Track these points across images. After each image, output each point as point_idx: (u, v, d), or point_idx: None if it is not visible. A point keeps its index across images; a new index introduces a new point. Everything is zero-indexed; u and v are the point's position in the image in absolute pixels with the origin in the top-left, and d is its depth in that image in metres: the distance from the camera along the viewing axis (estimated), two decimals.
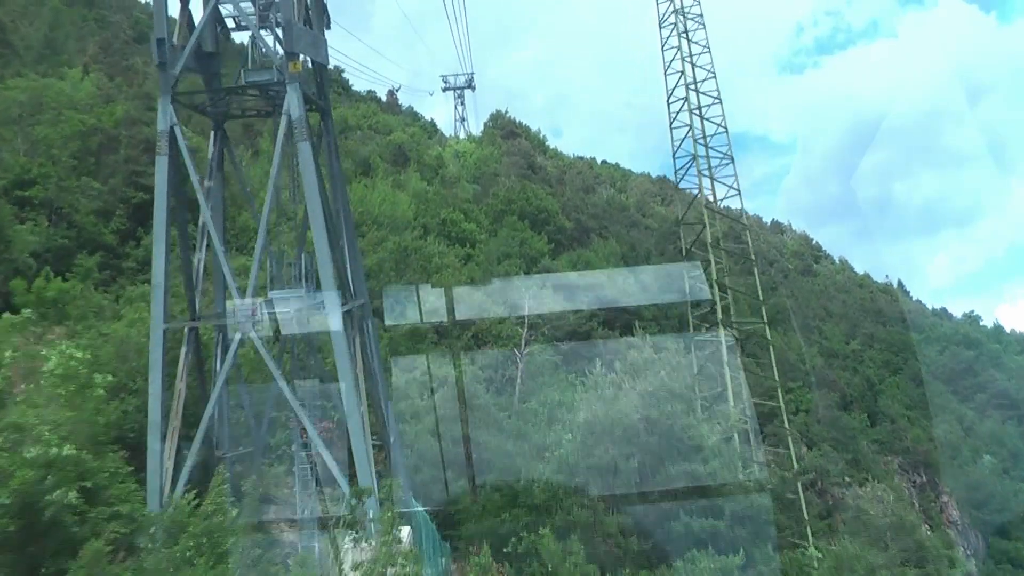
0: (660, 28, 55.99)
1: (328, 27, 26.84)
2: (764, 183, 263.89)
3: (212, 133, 26.50)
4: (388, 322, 41.51)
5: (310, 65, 26.09)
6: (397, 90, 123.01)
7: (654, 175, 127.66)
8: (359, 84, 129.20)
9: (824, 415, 59.86)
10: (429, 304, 43.80)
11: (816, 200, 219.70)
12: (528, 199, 63.65)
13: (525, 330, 44.15)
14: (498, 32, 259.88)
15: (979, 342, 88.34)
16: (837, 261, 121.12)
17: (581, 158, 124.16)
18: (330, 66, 31.73)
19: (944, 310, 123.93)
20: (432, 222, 56.97)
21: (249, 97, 26.55)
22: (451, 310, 45.45)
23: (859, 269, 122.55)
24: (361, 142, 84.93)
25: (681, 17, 54.87)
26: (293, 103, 23.00)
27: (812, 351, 75.50)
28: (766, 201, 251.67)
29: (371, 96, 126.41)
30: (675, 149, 54.87)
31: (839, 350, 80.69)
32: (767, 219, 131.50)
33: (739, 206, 57.29)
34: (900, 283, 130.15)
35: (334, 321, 23.59)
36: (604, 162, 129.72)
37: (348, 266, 27.05)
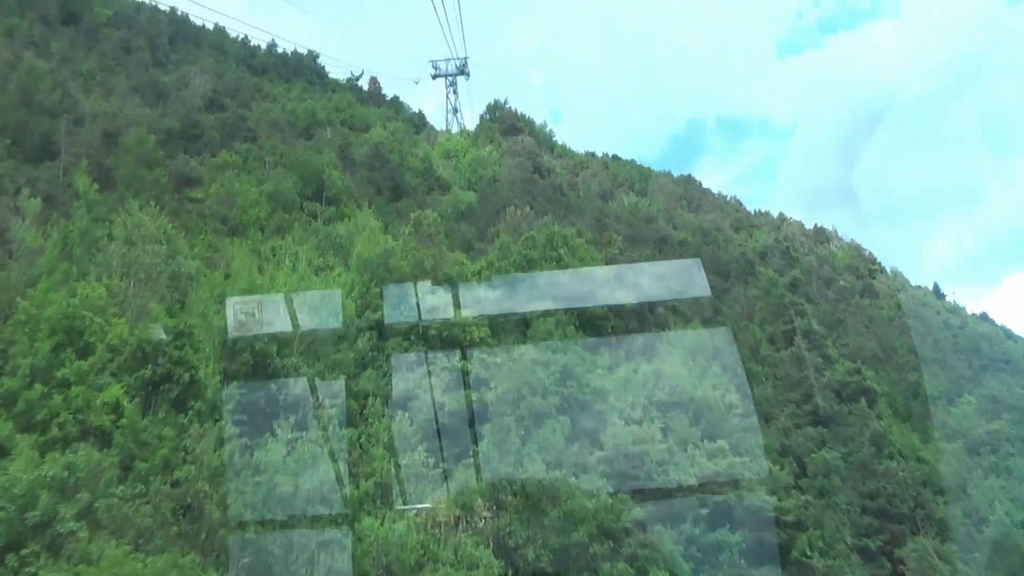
0: None
1: None
2: (763, 167, 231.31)
3: None
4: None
5: None
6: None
7: (673, 171, 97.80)
8: (338, 72, 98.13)
9: None
10: None
11: (814, 184, 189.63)
12: (560, 258, 33.71)
13: None
14: (493, 15, 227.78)
15: None
16: (889, 272, 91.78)
17: (593, 155, 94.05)
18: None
19: (986, 315, 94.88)
20: (392, 318, 27.58)
21: None
22: None
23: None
24: (316, 149, 55.31)
25: None
26: None
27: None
28: (763, 186, 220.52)
29: (350, 85, 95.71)
30: None
31: (970, 431, 51.51)
32: (762, 207, 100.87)
33: None
34: (937, 288, 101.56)
35: None
36: (616, 157, 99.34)
37: None
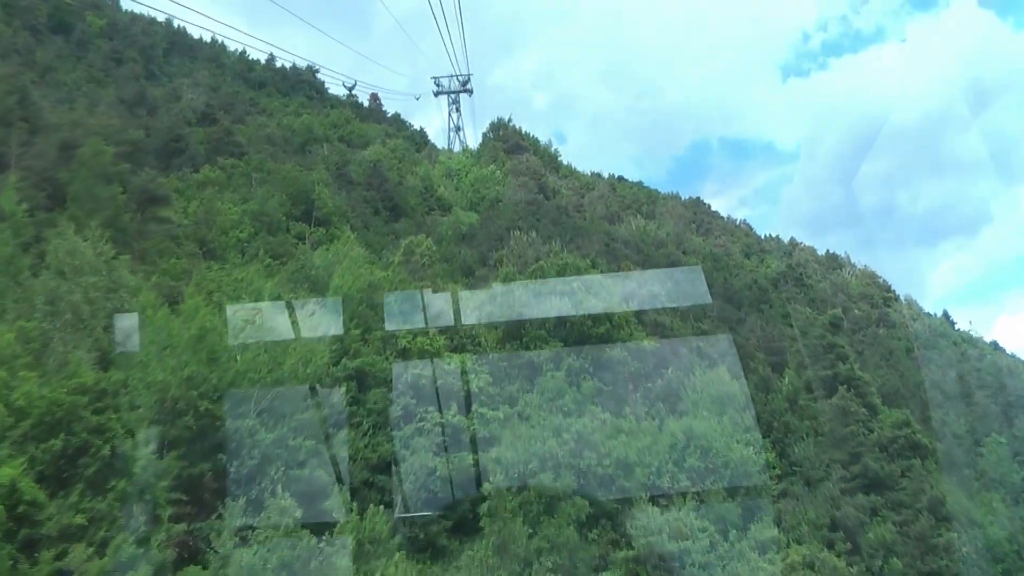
0: None
1: None
2: (766, 191, 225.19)
3: None
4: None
5: None
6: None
7: (679, 192, 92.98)
8: (338, 88, 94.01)
9: None
10: None
11: (818, 209, 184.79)
12: (573, 292, 29.00)
13: None
14: (496, 39, 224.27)
15: None
16: (903, 300, 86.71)
17: (599, 176, 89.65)
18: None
19: (997, 343, 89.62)
20: (375, 366, 22.78)
21: None
22: None
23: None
24: (306, 166, 50.61)
25: None
26: None
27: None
28: (767, 210, 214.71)
29: (350, 100, 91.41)
30: None
31: (1007, 477, 46.62)
32: (768, 231, 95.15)
33: None
34: (947, 315, 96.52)
35: None
36: (622, 179, 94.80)
37: None
